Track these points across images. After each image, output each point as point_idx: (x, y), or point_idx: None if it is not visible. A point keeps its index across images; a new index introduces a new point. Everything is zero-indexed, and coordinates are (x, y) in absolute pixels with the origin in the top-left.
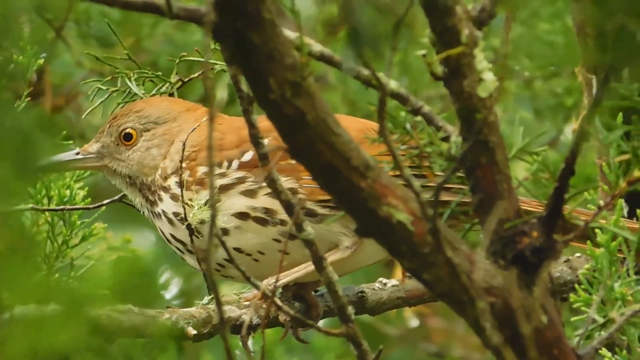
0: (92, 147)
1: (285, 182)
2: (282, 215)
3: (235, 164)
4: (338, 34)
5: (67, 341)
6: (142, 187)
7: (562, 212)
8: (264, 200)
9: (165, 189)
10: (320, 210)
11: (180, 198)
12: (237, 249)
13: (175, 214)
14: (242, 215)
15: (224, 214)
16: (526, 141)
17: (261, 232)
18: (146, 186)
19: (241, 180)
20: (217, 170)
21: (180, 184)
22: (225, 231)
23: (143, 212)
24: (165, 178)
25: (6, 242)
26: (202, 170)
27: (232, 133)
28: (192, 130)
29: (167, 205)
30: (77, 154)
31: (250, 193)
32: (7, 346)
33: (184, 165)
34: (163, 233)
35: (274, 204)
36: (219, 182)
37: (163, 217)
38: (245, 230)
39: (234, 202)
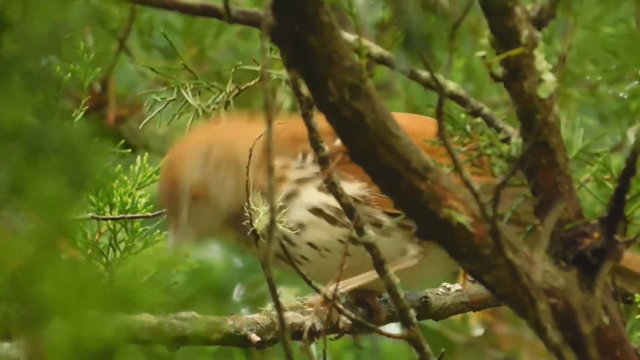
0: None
1: (357, 188)
2: None
3: (309, 157)
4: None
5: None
6: (235, 219)
7: (623, 213)
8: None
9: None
10: (387, 222)
11: (247, 202)
12: (311, 244)
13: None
14: (317, 211)
15: (300, 208)
16: (587, 142)
17: (329, 230)
18: (236, 216)
19: (318, 175)
20: (294, 164)
21: (247, 189)
22: (302, 226)
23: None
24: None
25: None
26: (280, 163)
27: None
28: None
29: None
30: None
31: (325, 189)
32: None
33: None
34: None
35: None
36: (298, 174)
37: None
38: (317, 227)
39: (311, 196)
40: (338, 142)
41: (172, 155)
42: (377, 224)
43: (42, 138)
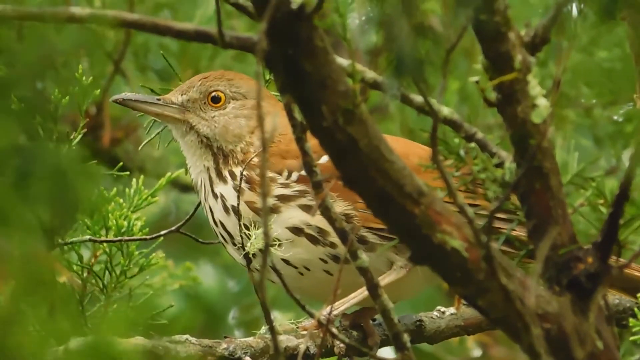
0: (177, 98)
1: (341, 206)
2: (333, 238)
3: (295, 175)
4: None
5: None
6: (218, 152)
7: (617, 238)
8: (319, 219)
9: (233, 175)
10: (371, 238)
11: (238, 225)
12: (285, 261)
13: (233, 207)
14: (296, 230)
15: (279, 226)
16: (581, 166)
17: (310, 249)
18: (223, 153)
19: (302, 194)
20: (280, 180)
21: (238, 214)
22: (278, 242)
23: (197, 182)
24: (243, 156)
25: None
26: (269, 174)
27: None
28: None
29: (228, 193)
30: (159, 99)
31: (308, 208)
32: None
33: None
34: (212, 212)
35: (328, 225)
36: (281, 191)
37: (220, 199)
38: (296, 245)
39: (292, 215)
40: (324, 159)
41: None
42: (361, 241)
43: (32, 163)
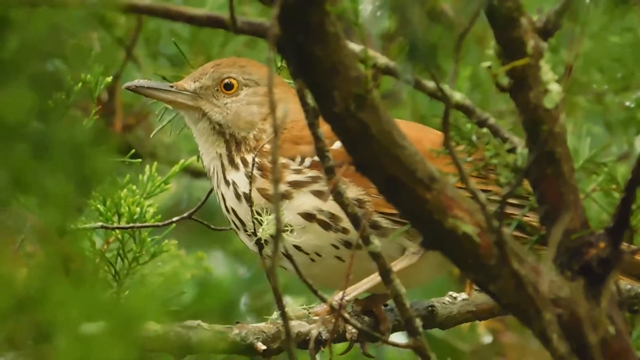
0: (189, 85)
1: (354, 192)
2: (345, 223)
3: (307, 161)
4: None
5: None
6: (231, 139)
7: (629, 223)
8: (331, 204)
9: (245, 162)
10: (384, 223)
11: (250, 211)
12: (297, 247)
13: (245, 195)
14: (308, 216)
15: (291, 212)
16: (593, 152)
17: (322, 235)
18: (235, 140)
19: (314, 180)
20: (293, 165)
21: (250, 201)
22: (290, 228)
23: (209, 169)
24: (256, 143)
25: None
26: (282, 160)
27: None
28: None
29: (240, 180)
30: (172, 87)
31: (320, 194)
32: None
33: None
34: (224, 200)
35: (340, 211)
36: (294, 177)
37: (232, 186)
38: (308, 231)
39: (304, 201)
40: (336, 145)
41: None
42: (374, 226)
43: (47, 138)
